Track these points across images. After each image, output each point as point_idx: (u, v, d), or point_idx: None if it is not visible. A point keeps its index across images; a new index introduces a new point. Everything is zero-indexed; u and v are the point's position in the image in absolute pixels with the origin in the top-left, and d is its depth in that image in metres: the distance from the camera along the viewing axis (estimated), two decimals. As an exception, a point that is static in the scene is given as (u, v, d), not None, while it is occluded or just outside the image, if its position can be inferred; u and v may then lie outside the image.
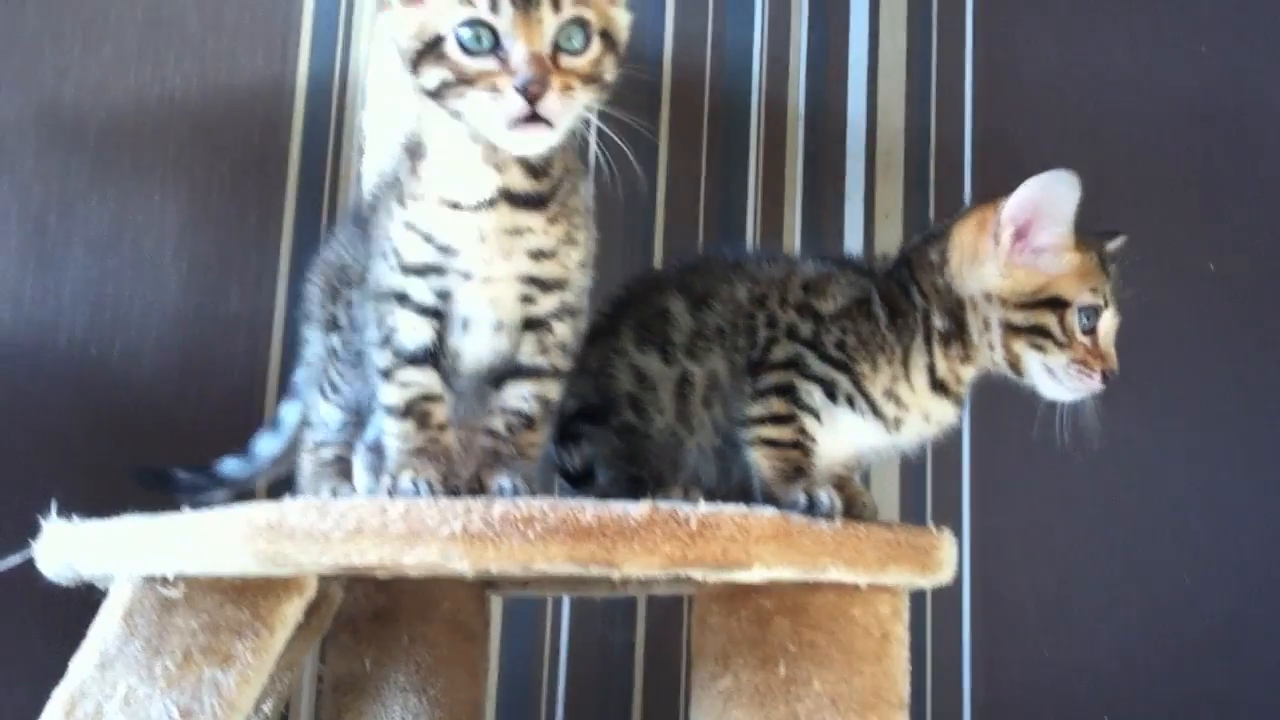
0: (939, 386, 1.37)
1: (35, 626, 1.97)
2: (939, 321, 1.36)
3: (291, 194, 2.20)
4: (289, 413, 1.63)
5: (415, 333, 1.30)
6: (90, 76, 2.17)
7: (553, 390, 1.35)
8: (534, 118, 1.14)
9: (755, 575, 1.16)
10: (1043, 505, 2.27)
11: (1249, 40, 2.42)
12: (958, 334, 1.36)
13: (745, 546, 1.14)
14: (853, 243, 2.29)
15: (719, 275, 1.45)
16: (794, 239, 2.29)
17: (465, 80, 1.15)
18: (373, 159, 1.79)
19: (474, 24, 1.14)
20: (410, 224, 1.27)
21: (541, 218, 1.27)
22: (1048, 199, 1.32)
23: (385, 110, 1.81)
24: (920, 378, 1.36)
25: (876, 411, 1.36)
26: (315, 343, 1.51)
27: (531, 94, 1.12)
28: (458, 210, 1.25)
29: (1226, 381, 2.32)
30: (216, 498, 1.66)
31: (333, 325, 1.47)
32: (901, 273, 1.40)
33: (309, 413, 1.52)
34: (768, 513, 1.18)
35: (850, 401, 1.35)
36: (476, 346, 1.32)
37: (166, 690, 1.16)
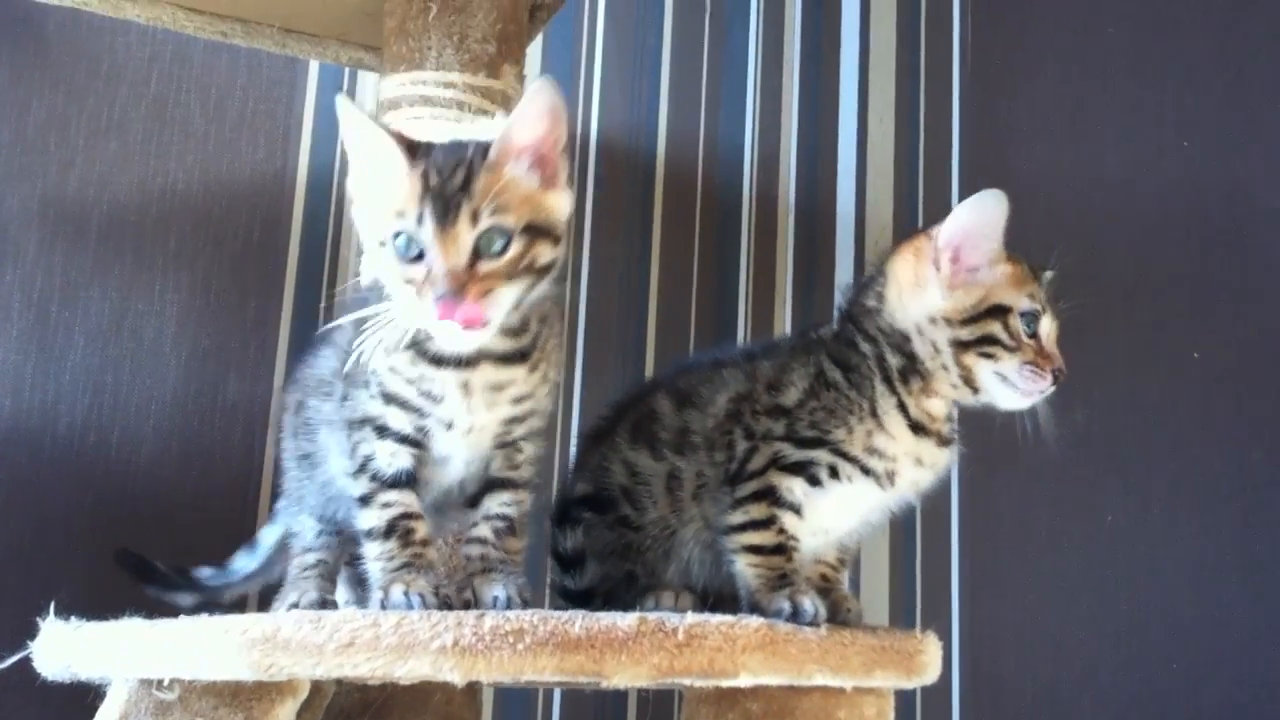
0: (917, 428, 1.38)
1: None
2: (892, 359, 1.38)
3: (290, 285, 2.24)
4: (267, 535, 1.65)
5: (394, 459, 1.32)
6: (94, 169, 2.22)
7: (526, 501, 1.39)
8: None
9: (742, 683, 1.18)
10: (1032, 597, 2.29)
11: (1232, 136, 2.47)
12: (911, 367, 1.37)
13: (732, 656, 1.16)
14: (842, 334, 2.32)
15: (701, 378, 1.48)
16: (785, 331, 2.33)
17: (403, 279, 1.21)
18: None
19: (403, 234, 1.20)
20: (395, 369, 1.30)
21: (523, 369, 1.32)
22: (981, 220, 1.36)
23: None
24: (896, 422, 1.37)
25: (866, 470, 1.37)
26: (289, 456, 1.53)
27: (447, 304, 1.17)
28: (440, 365, 1.29)
29: (1215, 470, 2.35)
30: (184, 600, 1.66)
31: (295, 432, 1.50)
32: (846, 328, 1.43)
33: (291, 522, 1.54)
34: (754, 622, 1.19)
35: (835, 473, 1.37)
36: (450, 475, 1.37)
37: (160, 794, 1.18)
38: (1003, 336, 1.35)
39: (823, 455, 1.37)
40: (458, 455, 1.34)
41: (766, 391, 1.41)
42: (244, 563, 1.69)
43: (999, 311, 1.35)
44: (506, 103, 1.88)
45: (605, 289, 2.30)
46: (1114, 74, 2.49)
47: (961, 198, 2.36)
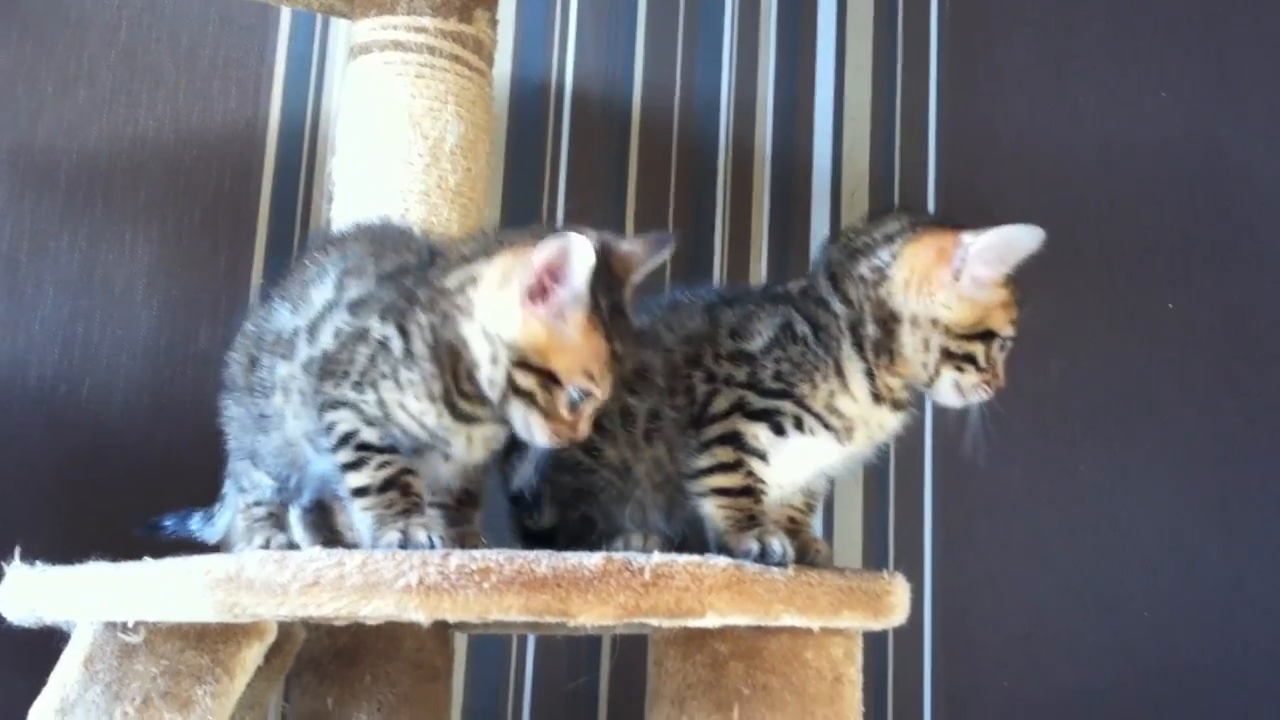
0: (876, 397, 1.38)
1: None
2: (870, 330, 1.38)
3: (262, 235, 2.22)
4: (220, 521, 1.63)
5: (384, 439, 1.32)
6: (64, 118, 2.19)
7: (484, 480, 1.47)
8: None
9: (709, 623, 1.18)
10: (1005, 545, 2.30)
11: (1212, 90, 2.47)
12: (886, 345, 1.37)
13: (699, 596, 1.16)
14: (818, 285, 2.32)
15: (658, 318, 1.47)
16: (760, 281, 2.32)
17: (547, 412, 1.27)
18: (342, 207, 1.80)
19: (587, 392, 1.27)
20: (414, 415, 1.31)
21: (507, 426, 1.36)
22: (1013, 248, 1.34)
23: (354, 159, 1.83)
24: (860, 387, 1.37)
25: (826, 425, 1.38)
26: (240, 416, 1.49)
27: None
28: (458, 419, 1.31)
29: (1191, 426, 2.36)
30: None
31: (249, 394, 1.46)
32: (819, 285, 1.42)
33: (241, 479, 1.52)
34: (721, 562, 1.20)
35: (799, 424, 1.37)
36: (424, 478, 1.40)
37: (126, 736, 1.18)
38: (981, 359, 1.37)
39: (787, 406, 1.37)
40: (443, 474, 1.38)
41: (730, 337, 1.40)
42: (200, 528, 1.68)
43: (988, 336, 1.37)
44: (479, 48, 1.87)
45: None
46: (1093, 28, 2.47)
47: (939, 151, 2.40)
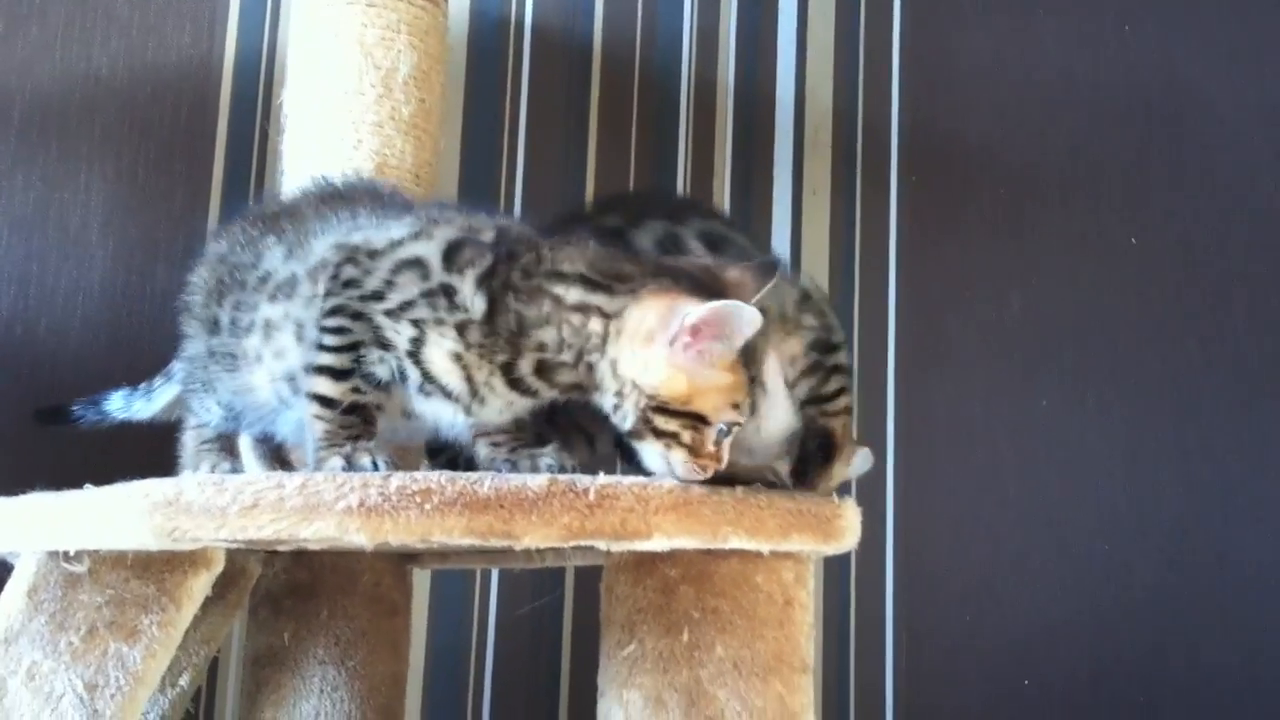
0: None
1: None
2: None
3: (218, 173, 2.19)
4: (163, 394, 1.62)
5: (382, 369, 1.29)
6: (15, 56, 2.16)
7: None
8: None
9: (656, 545, 1.18)
10: (966, 478, 2.31)
11: (1173, 25, 2.46)
12: None
13: (644, 517, 1.16)
14: (781, 218, 2.32)
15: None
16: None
17: (694, 450, 1.24)
18: (294, 138, 1.78)
19: (734, 424, 1.27)
20: (452, 358, 1.27)
21: None
22: None
23: (306, 90, 1.80)
24: None
25: None
26: (197, 340, 1.46)
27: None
28: (513, 388, 1.29)
29: (1149, 356, 2.36)
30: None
31: (214, 327, 1.42)
32: None
33: (190, 400, 1.51)
34: (667, 483, 1.20)
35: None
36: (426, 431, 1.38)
37: (71, 665, 1.17)
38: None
39: None
40: (400, 430, 1.35)
41: None
42: (130, 405, 1.66)
43: None
44: (438, -10, 1.85)
45: (541, 177, 2.28)
46: (1057, -41, 2.46)
47: (902, 83, 2.38)
